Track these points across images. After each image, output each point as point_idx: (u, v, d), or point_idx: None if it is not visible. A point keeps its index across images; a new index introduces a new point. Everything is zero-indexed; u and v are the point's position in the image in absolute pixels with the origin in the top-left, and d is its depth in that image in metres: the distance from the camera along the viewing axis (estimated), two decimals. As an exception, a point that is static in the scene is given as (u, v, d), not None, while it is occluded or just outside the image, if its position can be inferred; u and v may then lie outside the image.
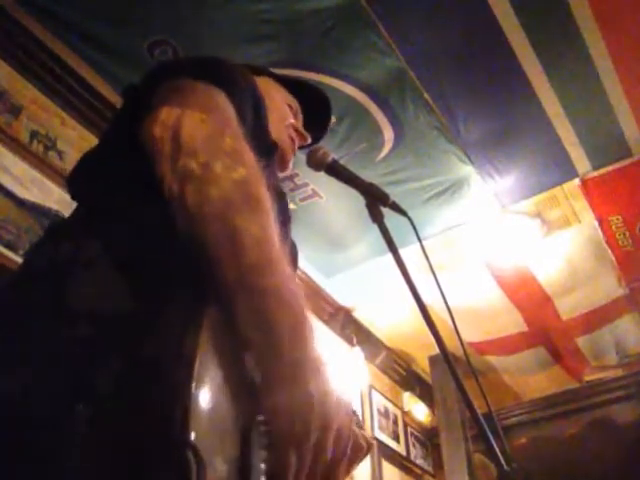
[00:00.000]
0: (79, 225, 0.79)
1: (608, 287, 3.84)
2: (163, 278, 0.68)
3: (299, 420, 0.62)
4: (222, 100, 0.80)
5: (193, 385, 0.57)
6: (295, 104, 1.23)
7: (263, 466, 0.64)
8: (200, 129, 0.72)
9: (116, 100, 2.48)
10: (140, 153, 0.74)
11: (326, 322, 3.89)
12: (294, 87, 1.26)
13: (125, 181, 0.78)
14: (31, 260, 0.79)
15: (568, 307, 4.02)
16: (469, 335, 4.17)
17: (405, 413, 4.46)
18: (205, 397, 0.58)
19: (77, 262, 0.69)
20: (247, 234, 0.66)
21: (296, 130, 1.20)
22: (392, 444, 4.10)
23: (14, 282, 0.75)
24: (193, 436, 0.55)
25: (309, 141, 1.24)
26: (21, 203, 2.09)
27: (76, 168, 0.90)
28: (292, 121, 1.19)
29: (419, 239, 1.21)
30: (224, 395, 0.63)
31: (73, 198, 0.88)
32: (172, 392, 0.57)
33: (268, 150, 0.97)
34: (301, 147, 1.25)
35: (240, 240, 0.66)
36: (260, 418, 0.65)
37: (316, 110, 1.31)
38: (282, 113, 1.17)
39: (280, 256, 0.68)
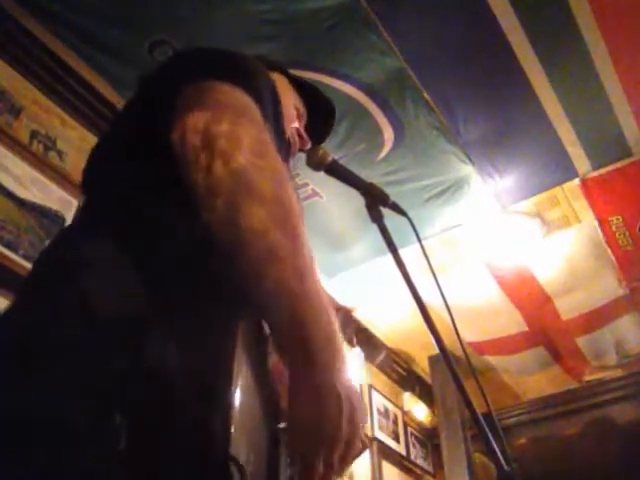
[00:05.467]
0: (96, 226, 0.77)
1: (608, 287, 3.84)
2: (190, 283, 0.67)
3: (330, 423, 0.63)
4: (250, 103, 0.78)
5: (232, 397, 0.58)
6: (301, 107, 1.22)
7: (289, 472, 0.64)
8: (234, 137, 0.71)
9: (116, 100, 2.48)
10: (163, 155, 0.72)
11: (326, 322, 3.88)
12: (302, 88, 1.25)
13: (146, 182, 0.77)
14: (48, 262, 0.76)
15: (568, 307, 4.02)
16: (469, 335, 4.17)
17: (405, 413, 4.46)
18: (241, 407, 0.59)
19: (99, 263, 0.68)
20: (285, 247, 0.67)
21: (299, 133, 1.19)
22: (392, 444, 4.10)
23: (31, 287, 0.73)
24: (235, 449, 0.56)
25: (309, 146, 1.24)
26: (21, 203, 2.09)
27: (90, 165, 0.88)
28: (297, 124, 1.18)
29: (419, 239, 1.21)
30: (256, 402, 0.63)
31: (86, 194, 0.86)
32: (212, 405, 0.57)
33: (284, 147, 0.96)
34: (300, 151, 1.25)
35: (279, 254, 0.66)
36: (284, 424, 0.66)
37: (320, 115, 1.30)
38: (290, 113, 1.16)
39: (312, 261, 0.70)
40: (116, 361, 0.60)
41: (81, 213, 0.85)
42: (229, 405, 0.57)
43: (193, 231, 0.68)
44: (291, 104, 1.18)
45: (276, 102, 0.91)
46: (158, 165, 0.75)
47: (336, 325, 0.68)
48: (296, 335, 0.64)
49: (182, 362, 0.60)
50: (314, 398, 0.62)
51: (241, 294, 0.65)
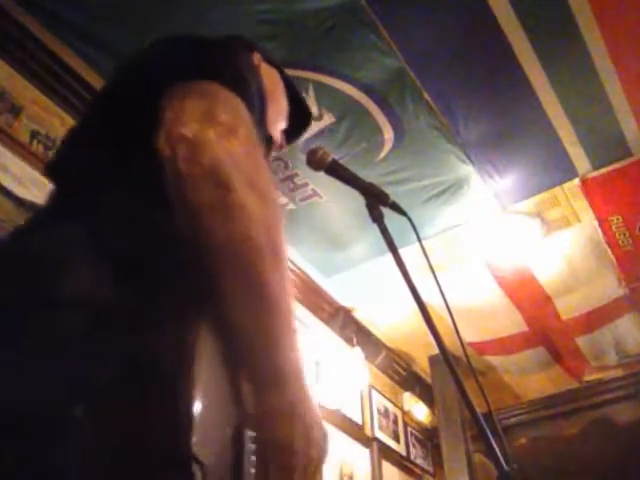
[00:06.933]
0: (67, 215, 0.75)
1: (608, 287, 3.84)
2: (157, 273, 0.67)
3: (283, 428, 0.63)
4: (244, 111, 0.77)
5: (194, 394, 0.57)
6: (287, 111, 1.19)
7: (253, 471, 0.65)
8: (228, 151, 0.69)
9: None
10: (141, 149, 0.71)
11: (326, 322, 3.89)
12: (289, 90, 1.22)
13: (119, 174, 0.76)
14: (15, 247, 0.73)
15: (568, 307, 4.02)
16: (469, 335, 4.17)
17: (405, 413, 4.46)
18: (205, 404, 0.58)
19: (66, 250, 0.67)
20: (267, 267, 0.66)
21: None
22: (392, 444, 4.10)
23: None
24: (197, 449, 0.56)
25: (284, 149, 1.22)
26: (21, 203, 2.09)
27: (64, 155, 0.86)
28: (284, 125, 1.17)
29: (419, 239, 1.21)
30: (219, 400, 0.63)
31: (57, 183, 0.83)
32: (173, 402, 0.57)
33: (265, 144, 0.96)
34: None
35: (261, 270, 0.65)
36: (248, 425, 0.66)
37: (294, 121, 1.26)
38: (281, 116, 1.14)
39: (288, 280, 0.69)
40: (77, 354, 0.59)
41: (52, 201, 0.82)
42: (191, 403, 0.56)
43: (167, 226, 0.67)
44: (284, 102, 1.16)
45: (262, 102, 0.89)
46: (134, 157, 0.74)
47: (299, 345, 0.68)
48: (265, 357, 0.64)
49: (143, 357, 0.59)
50: (285, 418, 0.64)
51: (209, 295, 0.65)
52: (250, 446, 0.65)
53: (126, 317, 0.61)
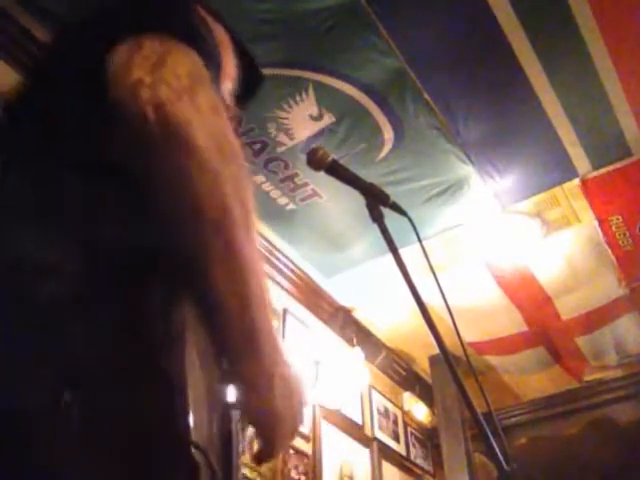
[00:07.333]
0: (19, 188, 0.69)
1: (608, 287, 3.84)
2: (138, 250, 0.65)
3: (264, 392, 0.64)
4: (204, 69, 0.74)
5: (187, 377, 0.57)
6: (235, 71, 1.10)
7: (241, 448, 0.65)
8: (197, 113, 0.67)
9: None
10: (98, 113, 0.67)
11: (326, 322, 3.89)
12: (238, 50, 1.10)
13: (77, 142, 0.72)
14: None
15: (568, 307, 4.02)
16: (469, 335, 4.17)
17: (405, 413, 4.46)
18: (197, 387, 0.58)
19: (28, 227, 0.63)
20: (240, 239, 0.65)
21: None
22: (392, 444, 4.09)
23: None
24: (195, 434, 0.56)
25: (234, 115, 1.18)
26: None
27: (6, 126, 0.80)
28: (233, 91, 1.08)
29: (419, 239, 1.21)
30: (210, 379, 0.63)
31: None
32: (171, 387, 0.56)
33: None
34: None
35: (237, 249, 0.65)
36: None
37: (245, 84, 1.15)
38: (229, 77, 1.05)
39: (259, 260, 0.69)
40: (62, 341, 0.57)
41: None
42: (185, 387, 0.56)
43: (135, 197, 0.66)
44: (231, 62, 1.05)
45: (218, 69, 0.86)
46: (89, 121, 0.71)
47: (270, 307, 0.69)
48: (240, 318, 0.64)
49: (131, 340, 0.58)
50: (265, 382, 0.65)
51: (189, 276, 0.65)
52: (238, 426, 0.66)
53: (108, 304, 0.60)
